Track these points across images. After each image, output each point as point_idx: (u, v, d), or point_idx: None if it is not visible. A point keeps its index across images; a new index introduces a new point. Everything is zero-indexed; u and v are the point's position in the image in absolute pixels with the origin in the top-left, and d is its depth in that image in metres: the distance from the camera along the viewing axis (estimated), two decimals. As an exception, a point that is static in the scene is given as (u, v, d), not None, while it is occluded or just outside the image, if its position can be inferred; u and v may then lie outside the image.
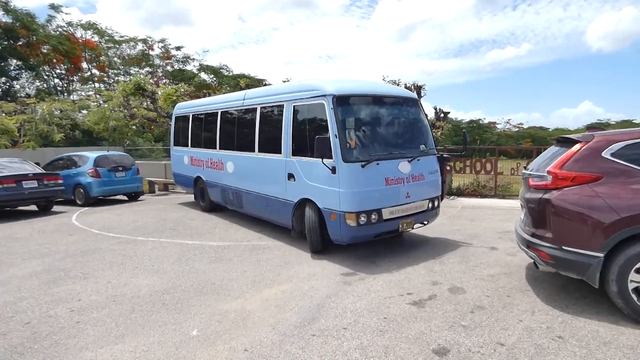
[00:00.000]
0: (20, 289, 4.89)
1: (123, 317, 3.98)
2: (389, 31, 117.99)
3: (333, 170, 5.36)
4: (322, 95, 5.68)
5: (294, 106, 6.26)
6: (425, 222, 6.29)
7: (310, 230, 5.85)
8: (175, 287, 4.77)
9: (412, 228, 6.02)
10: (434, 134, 12.75)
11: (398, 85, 13.40)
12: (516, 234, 4.57)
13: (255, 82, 29.09)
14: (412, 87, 13.29)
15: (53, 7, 29.79)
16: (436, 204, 6.31)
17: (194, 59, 37.79)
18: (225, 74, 37.81)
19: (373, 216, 5.40)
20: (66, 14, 36.53)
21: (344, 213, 5.29)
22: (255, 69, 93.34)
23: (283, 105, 6.51)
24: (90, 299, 4.48)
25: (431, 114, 13.41)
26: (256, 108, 7.31)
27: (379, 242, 6.35)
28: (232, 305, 4.21)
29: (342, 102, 5.56)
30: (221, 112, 8.68)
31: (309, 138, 5.83)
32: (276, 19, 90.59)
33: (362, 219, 5.31)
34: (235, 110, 8.19)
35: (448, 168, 12.54)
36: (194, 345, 3.39)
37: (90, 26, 31.89)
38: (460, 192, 12.53)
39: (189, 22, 68.93)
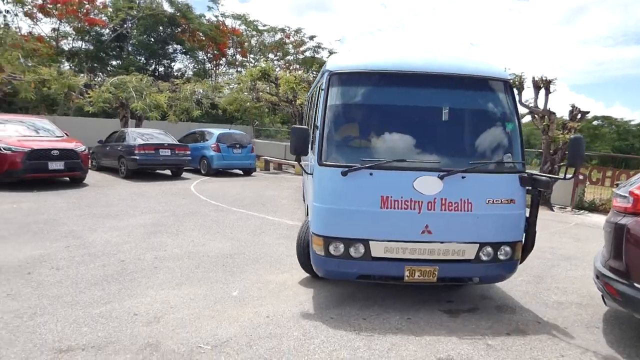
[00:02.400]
0: (129, 234, 6.09)
1: (188, 270, 4.72)
2: (552, 13, 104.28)
3: (312, 173, 4.01)
4: (323, 73, 4.49)
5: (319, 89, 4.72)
6: (473, 280, 3.89)
7: (297, 246, 4.49)
8: (238, 254, 5.40)
9: (435, 281, 3.73)
10: (561, 137, 11.14)
11: (521, 81, 12.07)
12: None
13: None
14: (541, 81, 11.78)
15: (213, 1, 34.15)
16: (504, 253, 3.75)
17: (325, 48, 39.35)
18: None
19: (354, 248, 3.65)
20: (221, 5, 41.28)
21: (312, 235, 3.84)
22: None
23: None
24: (172, 251, 5.38)
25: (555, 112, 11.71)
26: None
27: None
28: (276, 277, 4.62)
29: (340, 81, 3.93)
30: None
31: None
32: (419, 3, 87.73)
33: (334, 248, 3.66)
34: None
35: (581, 177, 10.92)
36: (229, 303, 3.89)
37: (238, 17, 35.64)
38: (593, 207, 10.87)
39: (330, 8, 71.44)
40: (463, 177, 3.64)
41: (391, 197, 3.60)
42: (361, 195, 3.62)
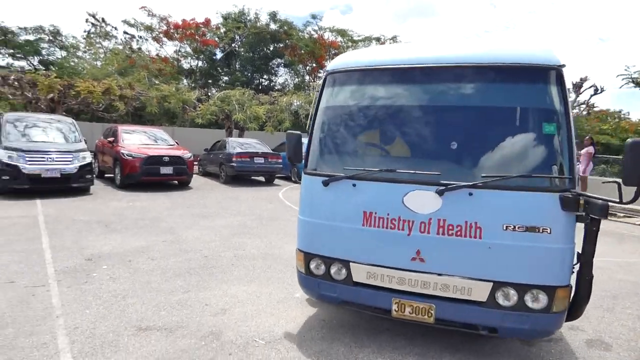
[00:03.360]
0: (216, 233, 6.66)
1: (260, 270, 5.01)
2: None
3: None
4: None
5: None
6: (481, 331, 2.95)
7: None
8: (310, 258, 5.56)
9: (432, 322, 2.96)
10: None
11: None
12: None
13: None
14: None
15: (313, 16, 35.96)
16: (535, 299, 2.79)
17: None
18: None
19: (336, 269, 3.22)
20: (320, 20, 43.09)
21: (296, 249, 3.51)
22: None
23: None
24: (250, 251, 5.75)
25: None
26: None
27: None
28: (341, 284, 4.67)
29: (333, 81, 3.49)
30: None
31: None
32: (534, 0, 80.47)
33: (315, 266, 3.30)
34: None
35: None
36: (290, 304, 4.05)
37: (335, 30, 36.81)
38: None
39: (432, 13, 69.79)
40: (470, 194, 2.83)
41: (375, 213, 3.04)
42: (342, 209, 3.16)
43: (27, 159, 8.69)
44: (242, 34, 30.47)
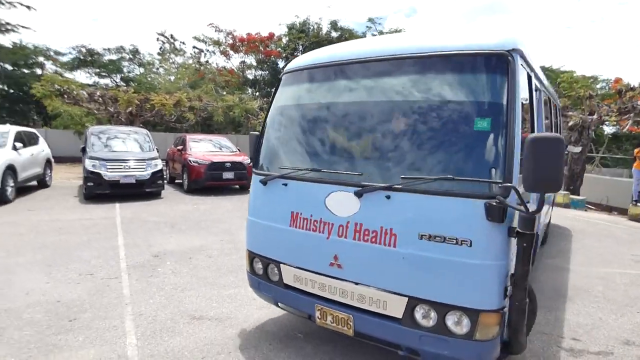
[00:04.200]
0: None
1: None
2: None
3: None
4: None
5: None
6: (400, 352, 2.65)
7: None
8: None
9: (352, 334, 2.75)
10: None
11: None
12: None
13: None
14: None
15: (371, 20, 36.00)
16: (458, 323, 2.41)
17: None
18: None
19: (271, 270, 3.19)
20: (378, 23, 42.90)
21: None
22: (582, 58, 63.54)
23: None
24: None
25: None
26: None
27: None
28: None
29: (284, 81, 3.46)
30: None
31: None
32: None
33: (257, 265, 3.31)
34: None
35: None
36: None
37: (395, 33, 36.61)
38: None
39: (504, 10, 66.50)
40: (387, 197, 2.55)
41: (301, 214, 2.93)
42: (276, 209, 3.11)
43: (108, 167, 9.75)
44: (303, 43, 31.33)
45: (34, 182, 11.25)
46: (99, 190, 9.74)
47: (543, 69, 25.20)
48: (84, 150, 10.43)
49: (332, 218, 2.76)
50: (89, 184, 9.71)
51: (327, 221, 2.78)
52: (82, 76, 27.07)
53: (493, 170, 2.35)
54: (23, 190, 10.52)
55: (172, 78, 23.84)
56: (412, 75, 2.80)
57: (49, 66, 26.17)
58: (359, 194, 2.62)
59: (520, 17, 63.70)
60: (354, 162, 2.89)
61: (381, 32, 36.70)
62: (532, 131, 3.05)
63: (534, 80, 3.18)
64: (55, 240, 6.29)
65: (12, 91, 25.59)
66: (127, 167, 9.97)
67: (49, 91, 15.72)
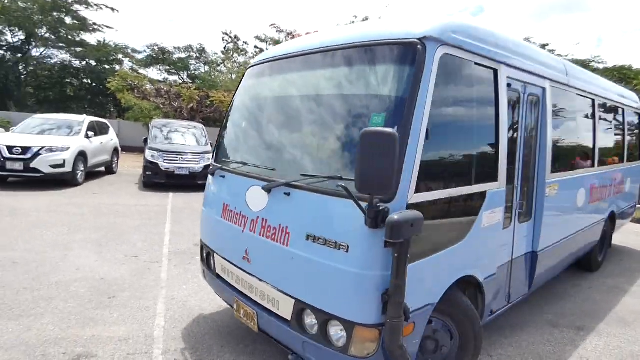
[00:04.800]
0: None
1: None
2: None
3: None
4: None
5: None
6: (290, 356, 2.63)
7: None
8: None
9: (257, 331, 2.73)
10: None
11: None
12: None
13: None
14: None
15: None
16: (337, 334, 2.26)
17: (559, 55, 34.32)
18: (597, 66, 31.93)
19: (210, 259, 3.25)
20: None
21: None
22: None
23: None
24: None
25: None
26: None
27: None
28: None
29: (245, 77, 3.50)
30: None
31: None
32: None
33: (203, 254, 3.39)
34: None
35: None
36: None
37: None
38: None
39: (582, 8, 61.77)
40: (287, 194, 2.46)
41: (229, 206, 2.97)
42: (215, 200, 3.22)
43: (165, 158, 10.33)
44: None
45: (102, 169, 12.20)
46: (156, 180, 10.35)
47: (620, 68, 22.81)
48: (145, 141, 11.14)
49: (247, 212, 2.77)
50: (147, 173, 10.36)
51: (244, 214, 2.79)
52: (154, 73, 28.99)
53: None
54: (92, 175, 11.45)
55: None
56: (328, 69, 2.73)
57: (127, 63, 28.34)
58: (267, 189, 2.58)
59: (600, 15, 58.51)
60: (271, 157, 2.88)
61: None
62: (496, 135, 2.81)
63: (504, 74, 2.87)
64: (111, 222, 6.77)
65: (94, 85, 28.08)
66: (182, 159, 10.50)
67: (122, 86, 17.01)
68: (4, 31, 25.20)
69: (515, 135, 3.21)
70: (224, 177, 3.14)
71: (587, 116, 4.72)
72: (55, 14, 25.26)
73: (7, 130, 13.38)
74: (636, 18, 55.63)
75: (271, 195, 2.58)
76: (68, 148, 9.60)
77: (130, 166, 14.51)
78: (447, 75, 2.39)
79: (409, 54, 2.24)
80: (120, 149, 13.47)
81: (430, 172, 2.32)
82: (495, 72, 2.81)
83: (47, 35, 26.22)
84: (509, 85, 2.97)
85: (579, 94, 4.34)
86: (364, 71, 2.52)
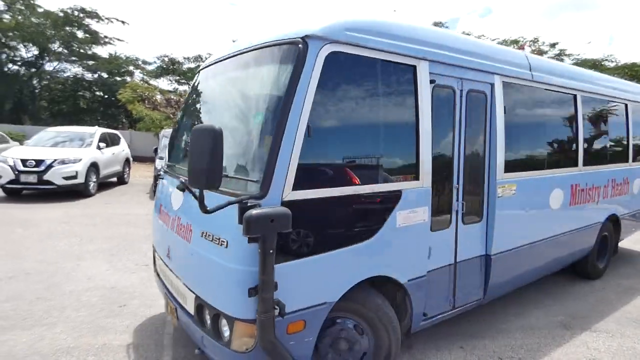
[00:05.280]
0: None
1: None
2: None
3: None
4: None
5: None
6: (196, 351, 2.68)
7: None
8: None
9: (176, 325, 2.95)
10: None
11: None
12: None
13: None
14: None
15: (436, 24, 34.91)
16: (224, 330, 2.33)
17: (570, 55, 33.89)
18: (610, 65, 31.56)
19: (154, 258, 3.47)
20: (446, 27, 41.46)
21: None
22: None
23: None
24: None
25: None
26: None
27: None
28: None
29: (195, 78, 3.63)
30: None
31: None
32: None
33: (153, 255, 3.57)
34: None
35: None
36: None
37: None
38: None
39: (590, 6, 60.98)
40: (184, 191, 2.61)
41: (162, 205, 3.18)
42: (156, 201, 3.44)
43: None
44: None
45: (114, 179, 12.40)
46: (167, 188, 10.46)
47: (632, 65, 22.40)
48: (156, 150, 11.30)
49: (171, 210, 2.94)
50: (157, 182, 10.48)
51: (169, 213, 2.97)
52: (164, 83, 29.43)
53: (256, 169, 2.25)
54: (104, 185, 11.65)
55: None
56: (233, 72, 2.93)
57: (137, 74, 28.84)
58: (180, 188, 2.68)
59: (609, 13, 57.63)
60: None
61: (451, 34, 35.42)
62: (416, 133, 2.77)
63: (425, 70, 2.81)
64: (122, 232, 6.87)
65: (106, 96, 28.61)
66: (191, 167, 10.61)
67: (132, 97, 17.30)
68: (18, 47, 25.93)
69: (448, 133, 3.12)
70: (163, 178, 3.40)
71: (565, 113, 4.43)
72: (67, 28, 25.90)
73: (21, 143, 13.70)
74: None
75: (185, 194, 2.65)
76: (80, 160, 9.78)
77: (142, 176, 14.72)
78: (340, 72, 2.42)
79: (290, 53, 2.31)
80: (131, 159, 13.68)
81: (314, 170, 2.37)
82: (414, 68, 2.76)
83: (60, 49, 26.88)
84: (432, 81, 2.89)
85: (550, 90, 4.10)
86: (257, 72, 2.67)
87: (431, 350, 3.32)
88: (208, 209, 2.04)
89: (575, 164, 4.43)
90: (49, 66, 27.95)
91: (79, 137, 10.96)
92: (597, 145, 4.97)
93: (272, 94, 2.38)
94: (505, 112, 3.49)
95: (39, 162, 9.25)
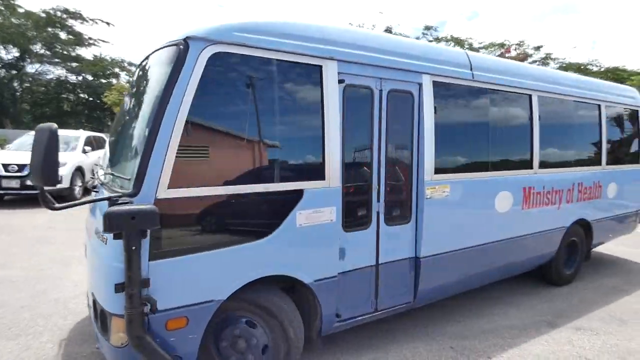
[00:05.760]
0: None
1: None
2: None
3: None
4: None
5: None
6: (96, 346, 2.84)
7: None
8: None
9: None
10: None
11: None
12: None
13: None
14: None
15: (427, 28, 35.21)
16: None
17: (555, 59, 34.55)
18: (595, 70, 32.31)
19: None
20: (435, 30, 41.78)
21: None
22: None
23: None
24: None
25: None
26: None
27: None
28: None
29: None
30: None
31: None
32: None
33: None
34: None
35: None
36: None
37: (452, 39, 35.34)
38: None
39: (576, 10, 62.03)
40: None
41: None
42: None
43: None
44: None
45: (100, 183, 12.20)
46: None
47: (614, 69, 22.93)
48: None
49: (90, 211, 3.14)
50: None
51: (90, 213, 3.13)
52: (150, 85, 29.10)
53: (132, 168, 2.29)
54: (90, 190, 11.43)
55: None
56: (136, 76, 3.13)
57: (123, 76, 28.48)
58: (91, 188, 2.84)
59: (592, 17, 58.88)
60: None
61: (437, 39, 35.76)
62: (322, 133, 2.76)
63: (332, 69, 2.81)
64: (109, 237, 6.76)
65: (91, 99, 28.23)
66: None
67: (118, 99, 17.08)
68: (-2, 48, 25.35)
69: (365, 133, 3.09)
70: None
71: (517, 114, 4.29)
72: (49, 29, 25.46)
73: (2, 147, 13.41)
74: (629, 20, 56.13)
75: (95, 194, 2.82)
76: (65, 164, 9.60)
77: (128, 179, 14.50)
78: (229, 72, 2.49)
79: (172, 55, 2.38)
80: (117, 162, 13.48)
81: (197, 168, 2.41)
82: (320, 67, 2.77)
83: (42, 51, 26.40)
84: (342, 81, 2.88)
85: (498, 89, 3.98)
86: (147, 74, 2.78)
87: (421, 353, 3.37)
88: (55, 205, 2.11)
89: (530, 167, 4.29)
90: (30, 68, 27.44)
91: (64, 140, 10.74)
92: (559, 147, 4.77)
93: (153, 95, 2.43)
94: (436, 113, 3.41)
95: (21, 167, 9.07)
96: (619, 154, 5.63)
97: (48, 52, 26.41)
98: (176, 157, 2.23)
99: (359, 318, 3.17)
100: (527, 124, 4.30)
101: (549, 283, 4.97)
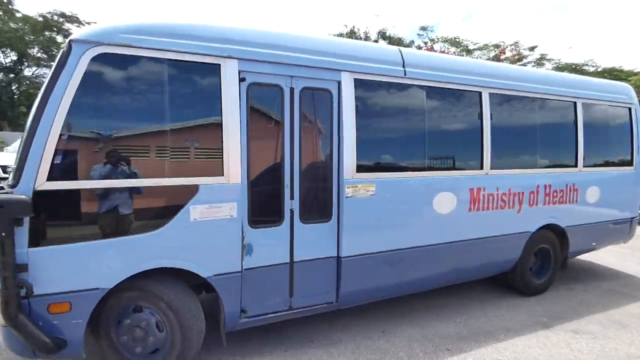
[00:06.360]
0: None
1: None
2: None
3: None
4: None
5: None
6: None
7: None
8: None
9: None
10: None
11: None
12: None
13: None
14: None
15: (423, 28, 35.33)
16: None
17: (550, 59, 34.66)
18: (591, 70, 32.38)
19: None
20: (431, 30, 41.90)
21: None
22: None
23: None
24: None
25: None
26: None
27: None
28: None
29: None
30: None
31: None
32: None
33: None
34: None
35: None
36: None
37: (447, 40, 35.45)
38: None
39: (571, 9, 62.07)
40: None
41: None
42: None
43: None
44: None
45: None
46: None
47: (611, 70, 22.98)
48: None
49: None
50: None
51: None
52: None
53: (16, 162, 2.49)
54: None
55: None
56: None
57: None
58: None
59: (577, 15, 58.78)
60: None
61: (432, 40, 35.86)
62: (220, 130, 2.82)
63: (232, 68, 2.85)
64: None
65: (87, 103, 28.06)
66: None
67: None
68: (-4, 53, 25.30)
69: (274, 131, 3.09)
70: None
71: (462, 112, 4.09)
72: (47, 33, 25.40)
73: (1, 150, 13.34)
74: (625, 20, 56.43)
75: None
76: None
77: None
78: (116, 72, 2.60)
79: (59, 57, 2.52)
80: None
81: (77, 162, 2.52)
82: (218, 66, 2.82)
83: (40, 54, 26.31)
84: (243, 79, 2.90)
85: (436, 87, 3.80)
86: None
87: (417, 354, 3.34)
88: None
89: (480, 167, 4.07)
90: (28, 71, 27.36)
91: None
92: (519, 147, 4.52)
93: (41, 94, 2.54)
94: (358, 111, 3.35)
95: (18, 170, 9.01)
96: (605, 156, 5.19)
97: (45, 56, 26.33)
98: (55, 152, 2.37)
99: (271, 315, 3.14)
100: (477, 122, 4.08)
101: (516, 292, 4.66)
